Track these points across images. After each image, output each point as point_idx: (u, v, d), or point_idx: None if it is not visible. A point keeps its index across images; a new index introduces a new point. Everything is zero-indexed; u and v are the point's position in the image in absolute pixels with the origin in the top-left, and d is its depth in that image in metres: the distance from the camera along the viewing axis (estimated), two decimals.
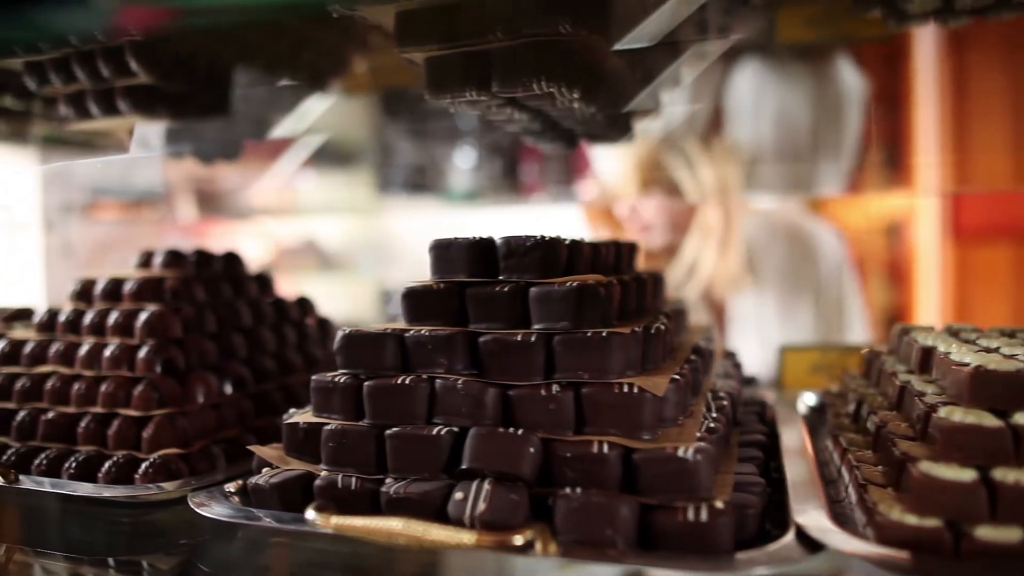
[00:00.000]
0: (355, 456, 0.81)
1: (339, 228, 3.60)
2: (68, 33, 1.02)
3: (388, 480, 0.78)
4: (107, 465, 0.92)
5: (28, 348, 1.09)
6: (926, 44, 2.49)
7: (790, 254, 2.10)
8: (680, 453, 0.71)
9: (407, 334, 0.84)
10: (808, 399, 1.24)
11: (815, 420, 1.15)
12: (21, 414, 1.02)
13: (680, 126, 2.06)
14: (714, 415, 0.87)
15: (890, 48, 2.51)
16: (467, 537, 0.64)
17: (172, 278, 1.13)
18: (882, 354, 1.11)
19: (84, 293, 1.14)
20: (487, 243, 0.87)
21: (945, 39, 2.47)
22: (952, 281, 2.76)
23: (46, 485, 0.89)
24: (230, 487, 0.87)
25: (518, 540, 0.64)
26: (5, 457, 0.97)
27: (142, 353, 1.02)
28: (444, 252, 0.88)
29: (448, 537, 0.65)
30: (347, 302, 3.55)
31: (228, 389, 1.09)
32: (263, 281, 1.31)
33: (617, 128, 1.12)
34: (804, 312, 2.10)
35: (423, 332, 0.83)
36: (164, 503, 0.88)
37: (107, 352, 1.03)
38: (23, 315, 1.45)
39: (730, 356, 1.27)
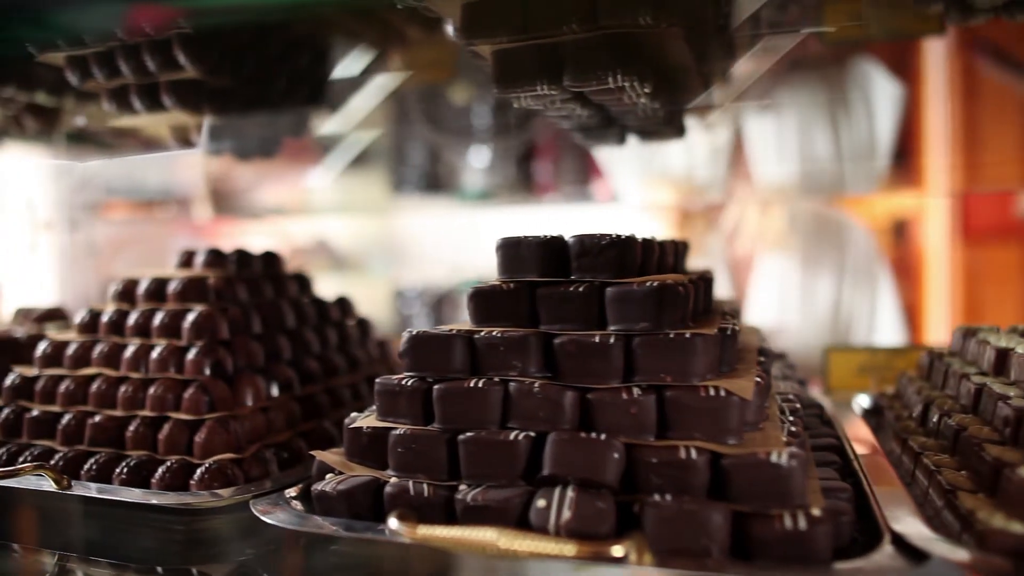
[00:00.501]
0: (425, 462, 0.79)
1: (351, 228, 3.57)
2: (104, 26, 0.99)
3: (462, 487, 0.76)
4: (160, 471, 0.89)
5: (71, 349, 1.06)
6: (936, 44, 2.48)
7: (817, 231, 2.11)
8: (774, 459, 0.69)
9: (477, 335, 0.82)
10: (862, 401, 1.22)
11: (873, 423, 1.12)
12: (67, 417, 0.99)
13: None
14: (790, 418, 0.85)
15: (899, 48, 2.50)
16: (567, 548, 0.61)
17: (215, 278, 1.10)
18: (943, 355, 1.09)
19: (126, 293, 1.11)
20: (557, 242, 0.84)
21: (956, 38, 2.45)
22: (961, 281, 2.74)
23: (98, 491, 0.86)
24: (290, 493, 0.85)
25: (617, 551, 0.61)
26: (53, 462, 0.94)
27: (191, 355, 0.99)
28: (512, 251, 0.85)
29: (547, 548, 0.62)
30: (359, 303, 3.52)
31: (275, 392, 1.06)
32: (302, 281, 1.29)
33: (672, 125, 1.10)
34: (825, 290, 2.11)
35: (495, 333, 0.81)
36: (218, 510, 0.85)
37: (154, 354, 1.01)
38: (55, 315, 1.42)
39: (782, 357, 1.25)
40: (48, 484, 0.86)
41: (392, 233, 3.43)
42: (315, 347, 1.19)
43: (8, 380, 1.07)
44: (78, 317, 1.10)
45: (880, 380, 1.35)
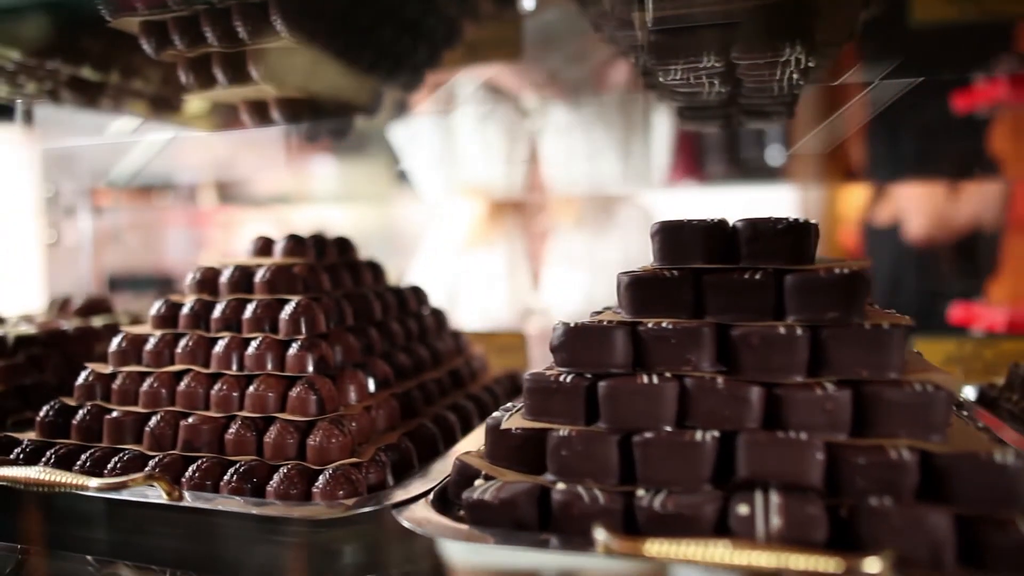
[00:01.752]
0: (593, 465, 0.72)
1: (352, 216, 3.46)
2: None
3: (640, 493, 0.69)
4: (277, 478, 0.81)
5: (151, 344, 0.97)
6: None
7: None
8: (998, 459, 0.64)
9: (642, 327, 0.75)
10: (967, 392, 1.18)
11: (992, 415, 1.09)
12: (155, 419, 0.90)
13: None
14: (964, 413, 0.80)
15: None
16: (833, 564, 0.55)
17: (300, 266, 1.02)
18: None
19: (206, 282, 1.02)
20: (722, 226, 0.78)
21: None
22: None
23: (222, 503, 0.78)
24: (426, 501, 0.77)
25: (873, 566, 0.55)
26: (148, 469, 0.85)
27: (292, 350, 0.91)
28: (673, 236, 0.79)
29: (804, 563, 0.56)
30: None
31: (372, 388, 0.98)
32: (375, 269, 1.20)
33: (789, 106, 1.04)
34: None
35: (664, 325, 0.74)
36: (352, 520, 0.77)
37: (250, 349, 0.92)
38: (99, 307, 1.32)
39: None
40: (157, 495, 0.77)
41: (393, 222, 3.34)
42: (401, 340, 1.11)
43: (81, 378, 0.98)
44: (153, 308, 1.01)
45: (966, 371, 1.32)
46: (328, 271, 1.06)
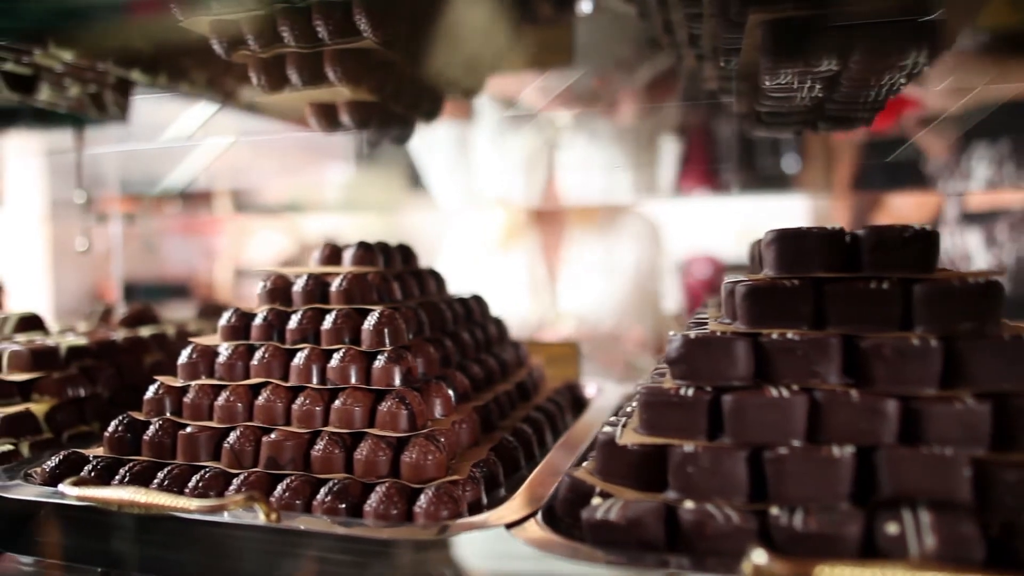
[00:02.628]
0: (721, 483, 0.69)
1: (364, 224, 3.42)
2: None
3: (775, 511, 0.66)
4: (376, 498, 0.77)
5: (223, 356, 0.93)
6: None
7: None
8: None
9: (766, 338, 0.72)
10: None
11: None
12: (234, 435, 0.86)
13: None
14: None
15: None
16: None
17: (373, 274, 0.98)
18: None
19: (277, 292, 0.98)
20: (842, 234, 0.76)
21: None
22: None
23: (328, 525, 0.74)
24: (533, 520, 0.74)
25: None
26: (235, 488, 0.81)
27: (379, 362, 0.87)
28: (792, 244, 0.76)
29: None
30: None
31: (453, 402, 0.95)
32: (437, 277, 1.17)
33: (873, 113, 1.02)
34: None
35: (790, 336, 0.72)
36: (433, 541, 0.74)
37: (333, 361, 0.88)
38: (145, 317, 1.28)
39: None
40: (254, 517, 0.73)
41: (406, 230, 3.30)
42: (472, 351, 1.08)
43: (151, 391, 0.94)
44: (223, 319, 0.97)
45: None
46: (397, 280, 1.03)
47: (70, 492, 0.74)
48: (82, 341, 1.14)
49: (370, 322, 0.90)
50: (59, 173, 2.80)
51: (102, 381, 1.12)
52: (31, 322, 1.22)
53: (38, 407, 1.03)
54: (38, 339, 1.16)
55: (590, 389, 1.36)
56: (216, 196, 2.75)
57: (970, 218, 2.42)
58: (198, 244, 3.27)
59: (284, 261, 3.35)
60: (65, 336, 1.19)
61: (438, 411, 0.90)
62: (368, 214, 3.34)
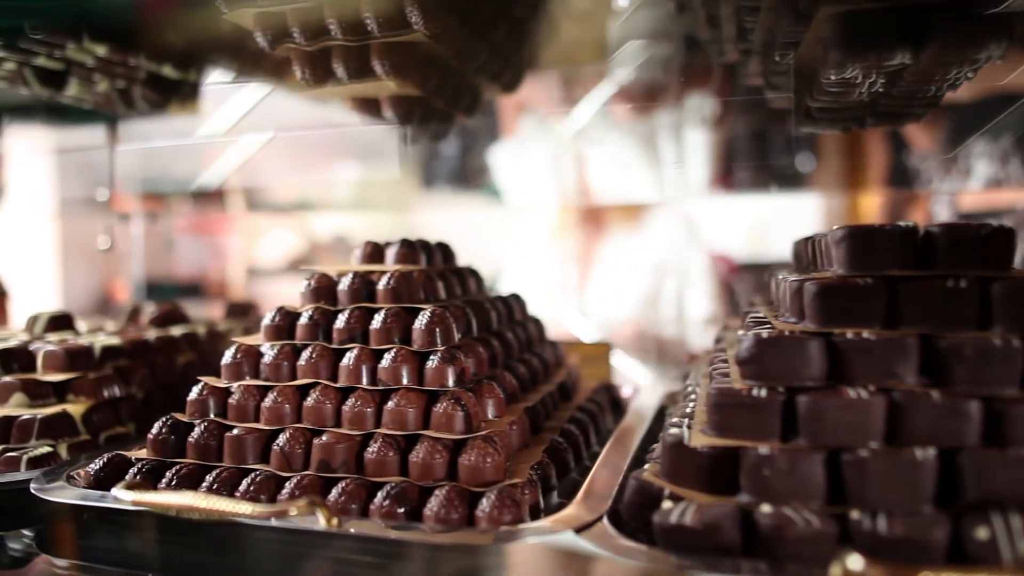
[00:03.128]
0: (798, 486, 0.67)
1: (374, 223, 3.40)
2: None
3: (856, 515, 0.65)
4: (436, 502, 0.75)
5: (269, 357, 0.91)
6: None
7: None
8: None
9: (837, 337, 0.70)
10: None
11: None
12: (283, 437, 0.84)
13: None
14: None
15: None
16: None
17: (418, 272, 0.96)
18: None
19: (322, 290, 0.96)
20: (915, 231, 0.74)
21: None
22: None
23: (382, 530, 0.72)
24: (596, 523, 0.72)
25: None
26: (286, 492, 0.79)
27: (432, 362, 0.86)
28: (865, 241, 0.74)
29: None
30: None
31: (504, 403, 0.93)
32: (476, 276, 1.15)
33: (927, 108, 1.01)
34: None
35: (865, 335, 0.70)
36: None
37: (384, 361, 0.86)
38: (174, 317, 1.25)
39: None
40: (313, 521, 0.71)
41: (417, 230, 3.26)
42: (516, 351, 1.06)
43: (194, 392, 0.92)
44: (267, 318, 0.95)
45: None
46: (440, 278, 1.01)
47: (124, 496, 0.72)
48: (115, 341, 1.12)
49: (421, 321, 0.88)
50: (68, 171, 2.78)
51: (136, 381, 1.10)
52: (62, 321, 1.20)
53: (75, 408, 1.01)
54: (70, 339, 1.14)
55: (626, 389, 1.34)
56: (229, 194, 2.72)
57: (969, 218, 2.42)
58: (208, 243, 3.24)
59: (294, 260, 3.33)
60: (96, 336, 1.17)
61: (490, 412, 0.88)
62: (377, 213, 3.32)
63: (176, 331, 1.23)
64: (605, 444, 1.07)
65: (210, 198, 2.76)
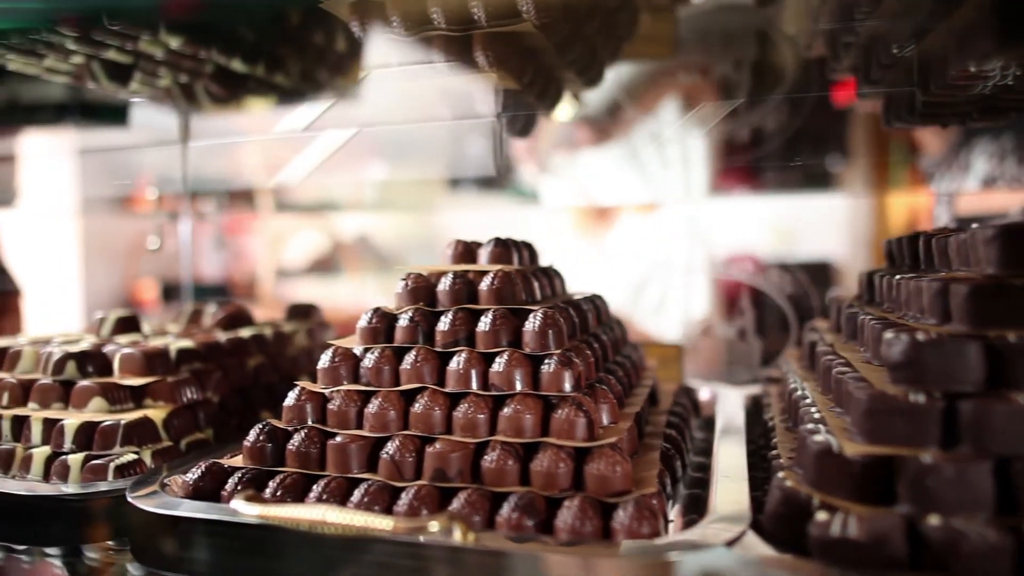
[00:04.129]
0: (966, 496, 0.64)
1: (397, 224, 3.36)
2: None
3: None
4: (570, 514, 0.71)
5: (369, 360, 0.87)
6: None
7: None
8: None
9: (1000, 341, 0.67)
10: None
11: None
12: (392, 446, 0.81)
13: None
14: None
15: None
16: None
17: (516, 272, 0.93)
18: None
19: (418, 291, 0.92)
20: None
21: None
22: None
23: (516, 545, 0.68)
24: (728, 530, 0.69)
25: None
26: (404, 503, 0.75)
27: (548, 366, 0.82)
28: (1021, 240, 0.71)
29: None
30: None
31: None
32: (560, 276, 1.12)
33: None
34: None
35: None
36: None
37: (496, 365, 0.83)
38: (241, 319, 1.22)
39: None
40: (445, 536, 0.67)
41: (441, 230, 3.22)
42: (611, 354, 1.03)
43: (291, 398, 0.88)
44: (363, 320, 0.91)
45: None
46: (534, 278, 0.97)
47: (248, 510, 0.68)
48: (189, 343, 1.08)
49: (533, 323, 0.85)
50: (89, 170, 2.73)
51: (212, 385, 1.06)
52: (129, 323, 1.16)
53: (156, 413, 0.97)
54: (140, 341, 1.10)
55: (703, 393, 1.31)
56: (259, 195, 2.67)
57: (966, 221, 2.39)
58: (233, 244, 3.20)
59: (317, 260, 3.28)
60: (166, 338, 1.13)
61: (605, 418, 0.84)
62: (405, 214, 3.28)
63: (245, 333, 1.19)
64: (698, 451, 1.04)
65: (237, 198, 2.72)
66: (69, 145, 2.26)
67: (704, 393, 1.31)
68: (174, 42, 1.06)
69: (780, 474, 0.76)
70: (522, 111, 1.07)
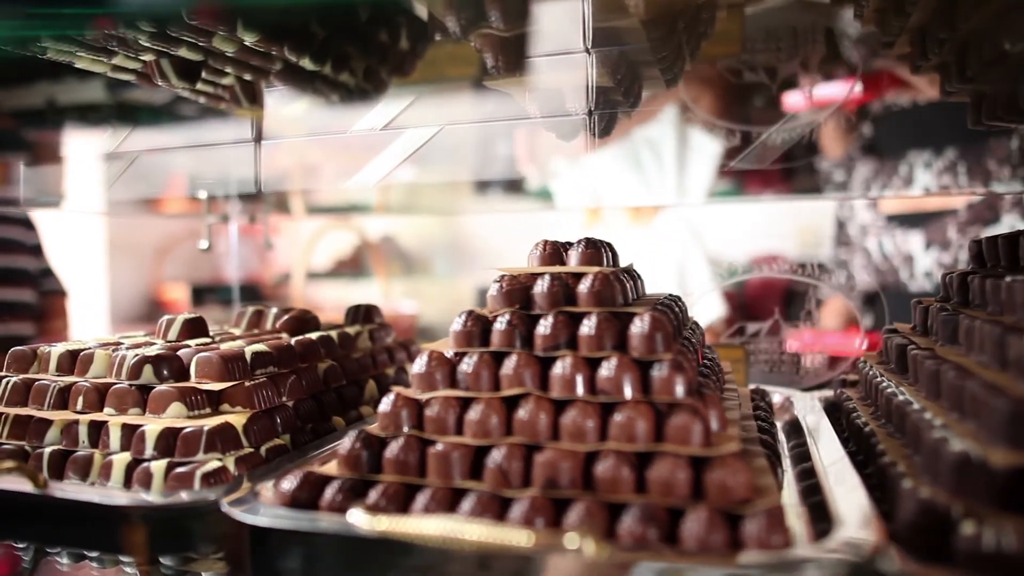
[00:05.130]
0: None
1: (421, 226, 3.33)
2: None
3: None
4: (696, 525, 0.69)
5: (468, 365, 0.84)
6: None
7: None
8: None
9: None
10: None
11: None
12: (499, 453, 0.78)
13: None
14: None
15: None
16: None
17: (613, 273, 0.90)
18: None
19: (513, 293, 0.90)
20: None
21: None
22: None
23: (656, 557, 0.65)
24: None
25: None
26: (519, 513, 0.73)
27: (659, 371, 0.79)
28: None
29: None
30: (431, 303, 3.28)
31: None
32: (640, 277, 1.09)
33: None
34: None
35: None
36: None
37: (604, 370, 0.80)
38: (309, 322, 1.19)
39: None
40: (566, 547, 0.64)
41: (467, 233, 3.20)
42: (700, 358, 1.00)
43: (387, 404, 0.85)
44: (457, 323, 0.88)
45: None
46: (626, 280, 0.95)
47: (372, 524, 0.66)
48: (263, 347, 1.05)
49: (641, 327, 0.82)
50: (118, 172, 2.70)
51: (287, 389, 1.04)
52: (196, 325, 1.13)
53: (236, 419, 0.95)
54: (211, 344, 1.07)
55: (775, 396, 1.28)
56: (291, 196, 2.65)
57: (905, 220, 2.38)
58: (258, 245, 3.17)
59: (341, 261, 3.26)
60: (235, 343, 1.10)
61: (714, 424, 0.82)
62: (430, 217, 3.26)
63: (312, 336, 1.16)
64: (794, 457, 1.01)
65: (271, 201, 2.69)
66: (106, 147, 2.25)
67: (775, 396, 1.28)
68: (250, 37, 1.03)
69: (907, 482, 0.74)
70: (608, 109, 1.04)
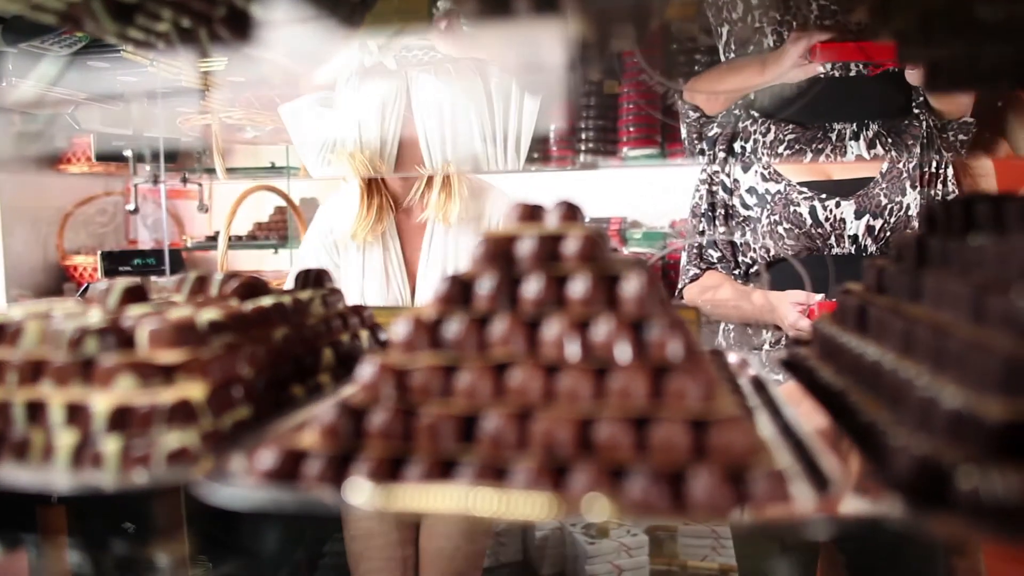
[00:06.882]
0: None
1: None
2: None
3: None
4: (698, 486, 0.68)
5: (452, 330, 0.81)
6: None
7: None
8: None
9: None
10: None
11: None
12: (493, 420, 0.75)
13: None
14: None
15: None
16: None
17: (592, 234, 0.88)
18: None
19: (499, 256, 0.86)
20: None
21: None
22: None
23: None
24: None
25: None
26: (522, 481, 0.70)
27: (654, 333, 0.78)
28: None
29: None
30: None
31: None
32: (607, 237, 1.07)
33: None
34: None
35: None
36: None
37: (598, 332, 0.78)
38: (259, 288, 1.12)
39: None
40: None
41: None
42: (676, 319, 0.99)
43: (366, 372, 0.81)
44: (439, 287, 0.84)
45: None
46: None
47: (384, 497, 0.62)
48: (217, 315, 0.98)
49: (630, 288, 0.80)
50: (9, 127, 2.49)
51: (246, 359, 0.97)
52: (136, 293, 1.05)
53: (195, 392, 0.88)
54: (156, 312, 0.99)
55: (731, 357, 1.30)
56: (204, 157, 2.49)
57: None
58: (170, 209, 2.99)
59: (262, 225, 3.12)
60: (182, 310, 1.02)
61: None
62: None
63: (268, 302, 1.09)
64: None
65: (184, 161, 2.53)
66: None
67: (731, 357, 1.30)
68: None
69: (896, 437, 0.75)
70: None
